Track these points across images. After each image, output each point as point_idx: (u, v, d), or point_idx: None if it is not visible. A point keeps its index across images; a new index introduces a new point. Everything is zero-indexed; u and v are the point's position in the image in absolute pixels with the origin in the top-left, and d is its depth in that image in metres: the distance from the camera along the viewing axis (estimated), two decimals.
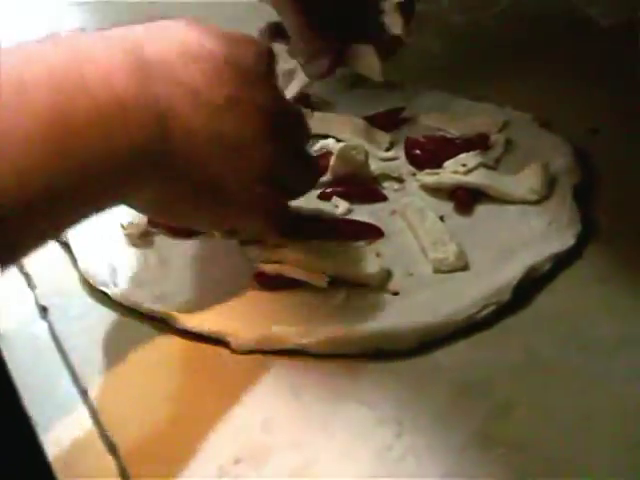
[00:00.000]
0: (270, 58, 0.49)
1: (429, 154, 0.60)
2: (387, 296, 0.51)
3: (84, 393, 0.47)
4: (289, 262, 0.52)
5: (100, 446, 0.45)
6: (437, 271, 0.52)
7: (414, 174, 0.59)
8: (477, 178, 0.57)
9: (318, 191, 0.57)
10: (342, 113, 0.64)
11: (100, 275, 0.53)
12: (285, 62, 0.62)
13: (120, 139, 0.41)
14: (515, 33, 0.73)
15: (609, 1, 0.73)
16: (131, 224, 0.55)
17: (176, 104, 0.43)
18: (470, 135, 0.61)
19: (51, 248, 0.55)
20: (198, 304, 0.51)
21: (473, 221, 0.56)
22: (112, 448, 0.45)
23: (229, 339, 0.49)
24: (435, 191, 0.58)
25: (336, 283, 0.51)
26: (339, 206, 0.57)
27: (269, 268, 0.52)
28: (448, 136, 0.62)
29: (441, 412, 0.45)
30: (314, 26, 0.60)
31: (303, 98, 0.64)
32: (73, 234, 0.55)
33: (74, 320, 0.52)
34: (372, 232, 0.55)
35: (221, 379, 0.48)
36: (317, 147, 0.60)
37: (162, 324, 0.51)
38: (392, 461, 0.43)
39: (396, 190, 0.59)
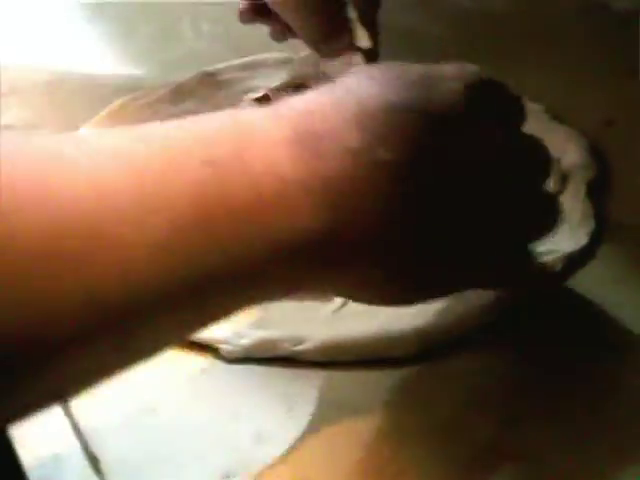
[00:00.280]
0: (481, 91, 0.40)
1: None
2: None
3: (64, 403, 0.46)
4: None
5: (81, 459, 0.43)
6: None
7: None
8: None
9: None
10: None
11: None
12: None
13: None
14: (526, 19, 0.71)
15: None
16: None
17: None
18: None
19: None
20: None
21: None
22: (93, 461, 0.43)
23: (219, 346, 0.47)
24: None
25: None
26: None
27: None
28: None
29: (443, 424, 0.44)
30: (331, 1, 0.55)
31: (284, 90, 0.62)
32: None
33: None
34: None
35: (210, 388, 0.46)
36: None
37: None
38: (391, 475, 0.42)
39: None
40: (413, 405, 0.45)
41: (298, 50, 0.67)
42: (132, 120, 0.60)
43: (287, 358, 0.47)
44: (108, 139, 0.35)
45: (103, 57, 0.70)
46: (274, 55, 0.67)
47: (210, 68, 0.65)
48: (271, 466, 0.43)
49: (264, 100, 0.62)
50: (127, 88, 0.64)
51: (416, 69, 0.40)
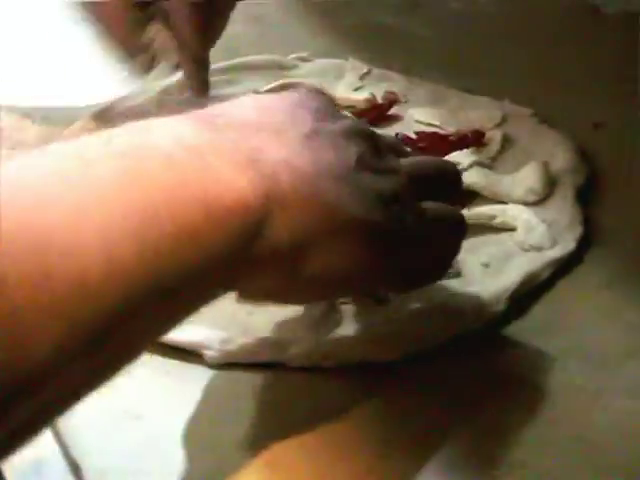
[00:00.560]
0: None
1: (421, 151, 0.57)
2: (372, 306, 0.48)
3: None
4: None
5: (62, 465, 0.42)
6: None
7: None
8: (471, 178, 0.55)
9: None
10: None
11: None
12: None
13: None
14: (515, 21, 0.72)
15: None
16: None
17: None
18: (464, 131, 0.60)
19: None
20: None
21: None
22: (74, 467, 0.42)
23: (203, 351, 0.47)
24: None
25: None
26: None
27: None
28: (441, 132, 0.60)
29: (431, 430, 0.43)
30: None
31: None
32: None
33: None
34: None
35: (193, 394, 0.46)
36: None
37: None
38: None
39: None
40: (393, 414, 0.45)
41: (288, 53, 0.67)
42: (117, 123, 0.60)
43: (271, 364, 0.47)
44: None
45: (91, 58, 0.70)
46: (263, 57, 0.67)
47: None
48: (252, 472, 0.42)
49: None
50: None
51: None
